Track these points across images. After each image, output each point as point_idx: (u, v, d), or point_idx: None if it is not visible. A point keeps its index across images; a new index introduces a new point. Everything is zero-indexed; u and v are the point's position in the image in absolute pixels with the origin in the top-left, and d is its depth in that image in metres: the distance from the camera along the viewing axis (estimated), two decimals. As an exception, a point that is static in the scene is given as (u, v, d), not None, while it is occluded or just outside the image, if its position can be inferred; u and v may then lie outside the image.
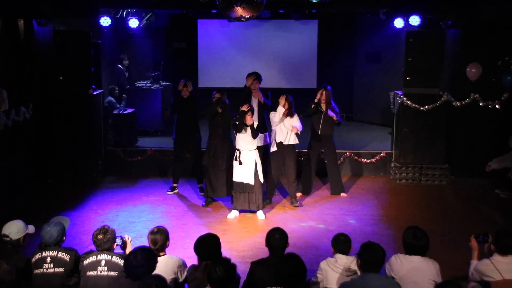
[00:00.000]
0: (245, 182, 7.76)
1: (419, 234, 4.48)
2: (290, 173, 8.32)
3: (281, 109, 8.10)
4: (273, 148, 8.26)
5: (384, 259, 4.18)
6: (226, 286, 3.89)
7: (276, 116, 8.12)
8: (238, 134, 7.78)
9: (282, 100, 8.11)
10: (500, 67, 9.10)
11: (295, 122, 8.10)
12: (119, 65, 12.06)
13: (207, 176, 8.32)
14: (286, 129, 8.10)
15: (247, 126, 7.66)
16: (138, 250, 4.14)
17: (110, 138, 10.48)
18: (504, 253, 4.50)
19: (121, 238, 4.80)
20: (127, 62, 12.23)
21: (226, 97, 8.20)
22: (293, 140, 8.17)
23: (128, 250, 4.85)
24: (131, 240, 4.93)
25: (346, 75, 13.43)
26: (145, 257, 4.06)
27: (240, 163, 7.73)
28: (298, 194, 8.73)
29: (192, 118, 8.72)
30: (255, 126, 7.70)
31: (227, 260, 4.00)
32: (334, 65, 13.36)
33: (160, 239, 4.64)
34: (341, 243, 4.72)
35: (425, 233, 4.52)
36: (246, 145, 7.75)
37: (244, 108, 7.70)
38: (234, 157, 7.82)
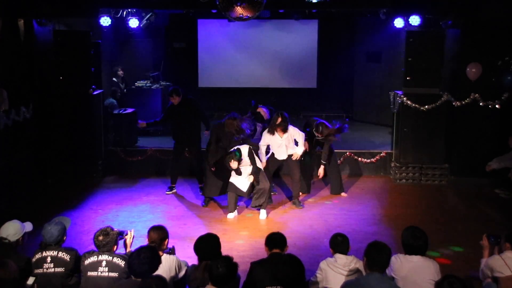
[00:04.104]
0: (239, 187, 7.77)
1: (418, 234, 4.49)
2: (294, 173, 8.31)
3: (272, 138, 8.09)
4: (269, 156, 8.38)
5: (390, 260, 4.19)
6: (227, 284, 3.90)
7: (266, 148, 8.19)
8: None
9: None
10: (500, 67, 9.11)
11: (295, 141, 8.13)
12: (114, 78, 11.90)
13: (205, 175, 8.31)
14: (284, 146, 8.15)
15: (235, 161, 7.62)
16: (143, 248, 4.17)
17: (110, 138, 10.48)
18: None
19: (124, 233, 4.85)
20: (121, 72, 12.05)
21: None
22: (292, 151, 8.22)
23: (128, 245, 4.88)
24: (133, 237, 4.95)
25: (346, 75, 13.41)
26: (149, 256, 4.08)
27: (240, 174, 7.72)
28: (299, 194, 8.74)
29: (191, 122, 8.70)
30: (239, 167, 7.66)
31: (228, 258, 4.01)
32: (334, 65, 13.35)
33: (157, 237, 4.65)
34: (338, 244, 4.73)
35: (424, 233, 4.52)
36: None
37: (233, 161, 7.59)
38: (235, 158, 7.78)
